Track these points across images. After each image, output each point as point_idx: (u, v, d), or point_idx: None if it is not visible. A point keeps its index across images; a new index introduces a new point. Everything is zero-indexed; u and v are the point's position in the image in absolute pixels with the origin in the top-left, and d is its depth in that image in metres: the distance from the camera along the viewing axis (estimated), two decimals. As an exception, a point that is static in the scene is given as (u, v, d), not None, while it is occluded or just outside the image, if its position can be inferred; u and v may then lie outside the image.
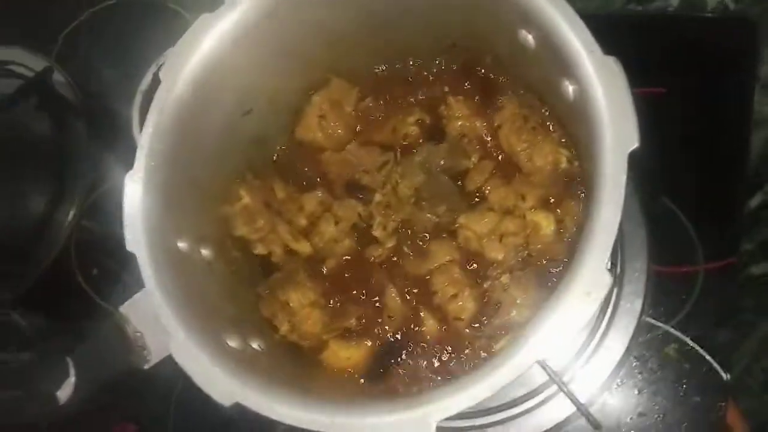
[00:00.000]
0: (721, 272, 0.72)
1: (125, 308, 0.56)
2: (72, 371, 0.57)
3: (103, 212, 0.96)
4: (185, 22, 1.01)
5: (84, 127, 0.97)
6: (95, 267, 0.94)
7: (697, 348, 0.69)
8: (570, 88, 0.52)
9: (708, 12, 0.86)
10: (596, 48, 0.47)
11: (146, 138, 0.57)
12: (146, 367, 0.55)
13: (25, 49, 1.02)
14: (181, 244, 0.58)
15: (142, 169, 0.57)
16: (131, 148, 0.85)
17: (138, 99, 0.93)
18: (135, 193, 0.56)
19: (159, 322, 0.52)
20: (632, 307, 0.71)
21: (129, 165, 0.75)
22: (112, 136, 0.97)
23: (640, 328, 0.71)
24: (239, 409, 0.49)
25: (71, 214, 0.94)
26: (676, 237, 0.74)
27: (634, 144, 0.45)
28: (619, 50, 0.82)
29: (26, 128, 0.96)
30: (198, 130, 0.61)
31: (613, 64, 0.46)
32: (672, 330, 0.70)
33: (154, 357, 0.54)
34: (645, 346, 0.71)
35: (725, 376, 0.68)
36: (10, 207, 0.91)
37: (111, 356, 0.56)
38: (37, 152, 0.95)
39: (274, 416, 0.46)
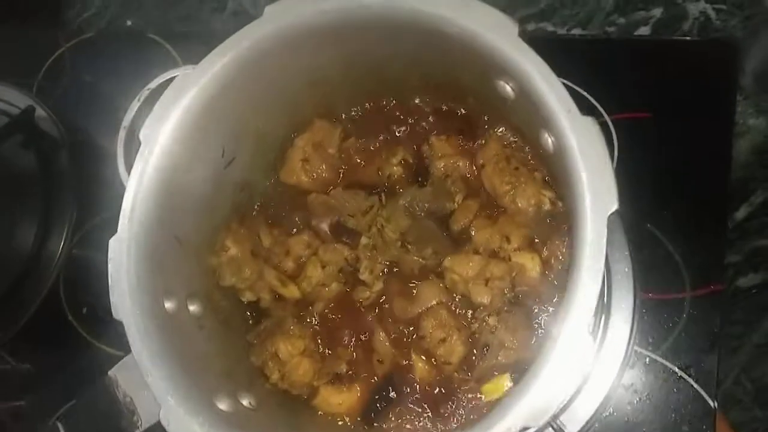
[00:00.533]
0: (707, 298, 0.73)
1: (114, 372, 0.56)
2: (63, 437, 0.57)
3: (92, 248, 0.96)
4: (166, 52, 1.01)
5: (68, 163, 0.97)
6: (85, 305, 0.94)
7: (685, 377, 0.70)
8: (549, 140, 0.52)
9: (686, 31, 0.87)
10: (573, 107, 0.47)
11: (128, 201, 0.57)
12: (137, 433, 0.55)
13: (5, 85, 1.02)
14: (169, 305, 0.58)
15: (126, 232, 0.57)
16: (117, 184, 0.85)
17: (122, 134, 0.92)
18: (120, 256, 0.56)
19: (148, 387, 0.53)
20: (620, 335, 0.72)
21: (114, 202, 0.75)
22: (97, 172, 0.97)
23: (629, 356, 0.72)
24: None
25: (58, 251, 0.94)
26: (661, 264, 0.75)
27: (613, 207, 0.45)
28: (605, 74, 0.83)
29: (11, 166, 0.97)
30: (182, 186, 0.61)
31: (590, 125, 0.46)
32: (659, 359, 0.71)
33: (144, 422, 0.55)
34: (634, 375, 0.72)
35: (713, 403, 0.69)
36: (-1, 246, 0.91)
37: (101, 422, 0.56)
38: (23, 189, 0.95)
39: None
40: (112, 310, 0.54)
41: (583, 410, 0.71)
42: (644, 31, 0.93)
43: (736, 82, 0.80)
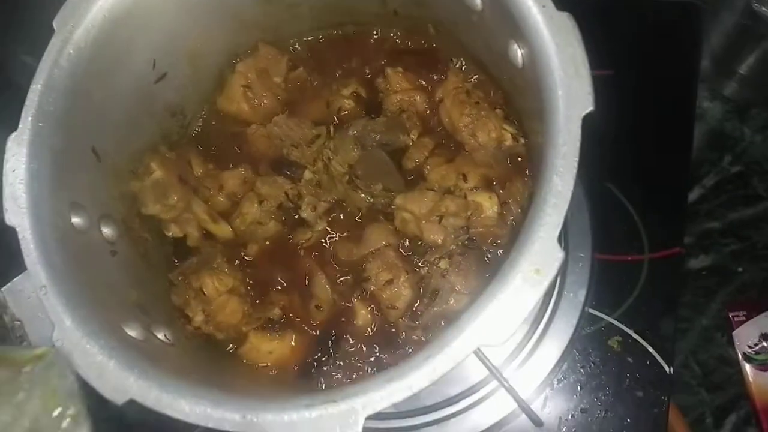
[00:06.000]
0: (665, 262, 0.69)
1: (3, 293, 0.47)
2: (-64, 367, 0.48)
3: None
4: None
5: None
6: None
7: (641, 341, 0.66)
8: (519, 53, 0.48)
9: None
10: (548, 2, 0.43)
11: (35, 95, 0.49)
12: (25, 360, 0.46)
13: None
14: (77, 220, 0.50)
15: (28, 130, 0.49)
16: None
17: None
18: (19, 157, 0.48)
19: (42, 309, 0.45)
20: (575, 298, 0.68)
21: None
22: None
23: (583, 319, 0.67)
24: (138, 408, 0.42)
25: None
26: (620, 224, 0.71)
27: (589, 107, 0.40)
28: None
29: None
30: (102, 91, 0.54)
31: (566, 20, 0.42)
32: (615, 322, 0.67)
33: (35, 349, 0.46)
34: (588, 339, 0.68)
35: (668, 369, 0.65)
36: None
37: (-17, 349, 0.47)
38: None
39: (175, 414, 0.40)
40: (4, 215, 0.46)
41: (535, 375, 0.66)
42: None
43: (697, 53, 0.78)
